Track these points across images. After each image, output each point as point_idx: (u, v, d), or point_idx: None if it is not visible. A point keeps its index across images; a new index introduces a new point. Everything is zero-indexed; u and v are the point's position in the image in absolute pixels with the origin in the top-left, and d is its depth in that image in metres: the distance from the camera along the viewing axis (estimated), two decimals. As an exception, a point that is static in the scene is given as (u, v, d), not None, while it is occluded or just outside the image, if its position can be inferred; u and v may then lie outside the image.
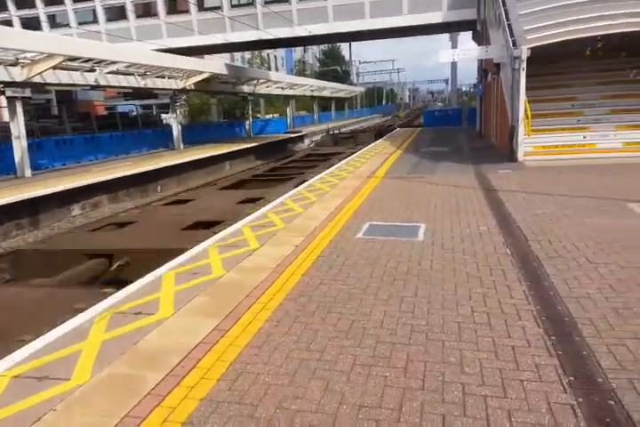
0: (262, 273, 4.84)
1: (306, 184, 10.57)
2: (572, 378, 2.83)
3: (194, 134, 25.02)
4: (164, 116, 30.95)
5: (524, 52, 11.05)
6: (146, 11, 24.24)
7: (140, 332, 3.67)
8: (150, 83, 20.02)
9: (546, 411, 2.57)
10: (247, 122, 31.28)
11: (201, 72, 21.40)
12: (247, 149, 23.32)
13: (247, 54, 49.94)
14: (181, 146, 22.35)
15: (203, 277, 4.79)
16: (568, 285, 4.20)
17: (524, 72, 11.22)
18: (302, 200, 8.61)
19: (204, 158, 18.73)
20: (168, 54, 18.76)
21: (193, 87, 22.74)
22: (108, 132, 20.67)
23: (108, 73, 17.43)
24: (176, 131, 22.41)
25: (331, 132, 32.00)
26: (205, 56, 31.18)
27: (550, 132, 12.13)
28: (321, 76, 62.45)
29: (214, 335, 3.56)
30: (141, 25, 23.63)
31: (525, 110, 11.45)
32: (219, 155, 20.25)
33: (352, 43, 63.48)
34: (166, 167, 16.34)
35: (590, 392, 2.70)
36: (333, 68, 67.39)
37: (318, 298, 4.17)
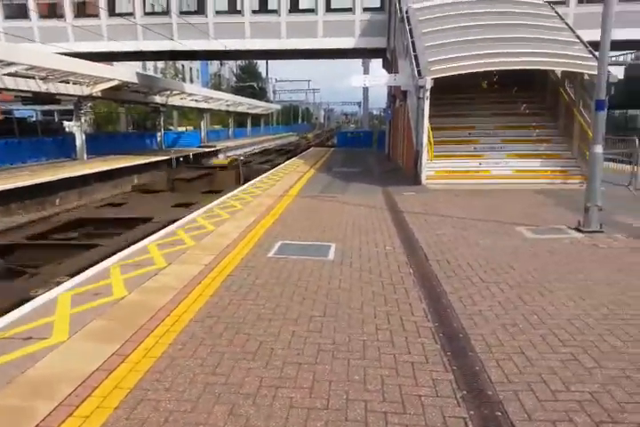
0: (168, 294, 4.68)
1: (218, 201, 10.42)
2: (465, 392, 3.03)
3: (99, 144, 23.79)
4: (66, 123, 29.16)
5: (428, 82, 11.82)
6: (51, 11, 22.88)
7: (30, 358, 3.39)
8: (53, 87, 18.86)
9: (441, 425, 2.72)
10: (159, 134, 30.33)
11: (109, 79, 20.52)
12: (157, 162, 22.56)
13: (161, 64, 48.61)
14: (85, 156, 21.14)
15: (103, 299, 4.54)
16: (463, 302, 4.50)
17: (428, 101, 11.98)
18: (214, 217, 8.48)
19: (109, 170, 17.83)
20: (73, 58, 17.81)
21: (100, 95, 21.71)
22: (3, 139, 19.05)
23: (6, 75, 16.17)
24: (79, 140, 21.18)
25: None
26: (115, 63, 29.92)
27: (450, 158, 13.00)
28: (237, 91, 62.26)
29: (113, 361, 3.39)
30: (45, 26, 22.21)
31: (428, 137, 12.22)
32: (125, 167, 19.38)
33: (269, 60, 64.30)
34: (67, 179, 15.34)
35: (481, 405, 2.90)
36: (250, 84, 67.54)
37: (226, 319, 4.12)
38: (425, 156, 12.29)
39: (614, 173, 11.01)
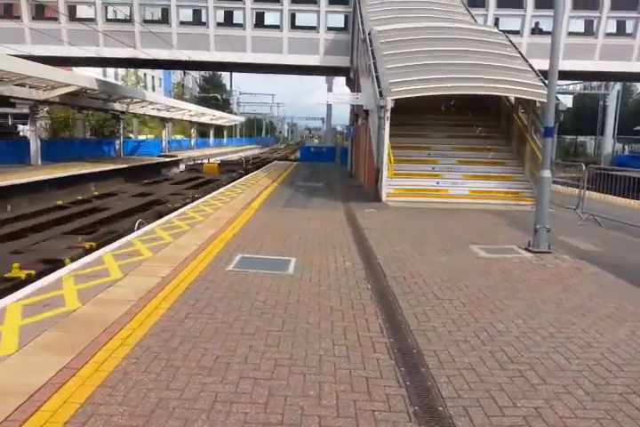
0: (123, 306, 4.59)
1: (178, 212, 10.30)
2: (416, 408, 3.10)
3: (55, 150, 23.12)
4: (21, 127, 28.16)
5: (389, 103, 12.16)
6: (7, 11, 22.22)
7: (-28, 373, 3.26)
8: (6, 90, 18.22)
9: (393, 439, 2.78)
10: (118, 141, 29.69)
11: (67, 84, 20.03)
12: (115, 170, 22.06)
13: (122, 71, 47.79)
14: (39, 162, 20.43)
15: (54, 310, 4.40)
16: (418, 318, 4.62)
17: (389, 121, 12.31)
18: (173, 229, 8.37)
19: (65, 177, 17.30)
20: (29, 62, 17.31)
21: (57, 100, 21.14)
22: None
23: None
24: (34, 145, 20.52)
25: None
26: (74, 69, 29.26)
27: (410, 176, 13.34)
28: (201, 101, 61.86)
29: (63, 375, 3.29)
30: (0, 26, 21.53)
31: (389, 155, 12.52)
32: (82, 174, 18.86)
33: (234, 73, 64.28)
34: (18, 185, 14.79)
35: (431, 420, 2.97)
36: (214, 95, 67.26)
37: (182, 333, 4.07)
38: (385, 173, 12.57)
39: (563, 196, 11.56)
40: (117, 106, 27.67)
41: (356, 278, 5.89)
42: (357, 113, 20.13)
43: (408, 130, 14.67)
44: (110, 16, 22.43)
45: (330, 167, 26.68)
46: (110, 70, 46.83)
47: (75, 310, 4.44)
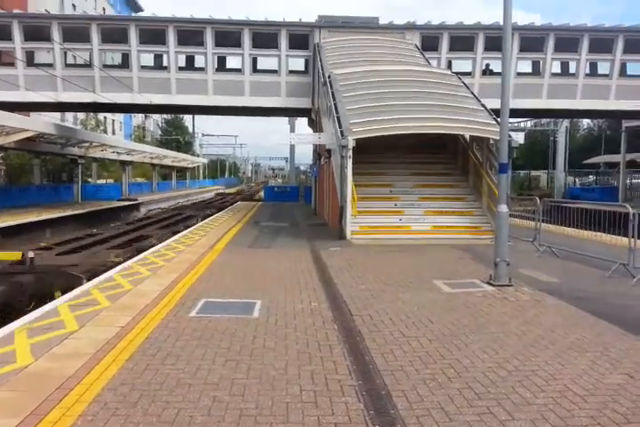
0: (79, 360, 4.38)
1: (138, 258, 10.05)
2: (386, 452, 3.04)
3: (9, 197, 22.41)
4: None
5: (350, 142, 12.48)
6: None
7: None
8: (-41, 137, 17.80)
9: (363, 488, 2.70)
10: (76, 186, 29.13)
11: (24, 129, 19.73)
12: (73, 215, 21.52)
13: (81, 115, 47.47)
14: (-8, 209, 19.77)
15: (5, 367, 4.16)
16: (385, 358, 4.58)
17: (351, 159, 12.59)
18: (133, 275, 8.14)
19: (15, 225, 16.70)
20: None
21: (13, 145, 20.72)
22: None
23: None
24: (-13, 192, 19.86)
25: None
26: (32, 114, 28.89)
27: (373, 213, 13.53)
28: (163, 144, 61.85)
29: (12, 439, 3.08)
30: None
31: (352, 193, 12.71)
32: (36, 221, 18.28)
33: (197, 115, 64.82)
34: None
35: (402, 464, 2.91)
36: (175, 137, 67.41)
37: (142, 386, 3.90)
38: (349, 211, 12.71)
39: (520, 229, 11.92)
40: (76, 150, 27.33)
41: (323, 319, 5.83)
42: (320, 152, 20.50)
43: (370, 168, 15.00)
44: (70, 61, 22.48)
45: (294, 206, 26.82)
46: (69, 114, 46.46)
47: (27, 366, 4.21)
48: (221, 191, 60.21)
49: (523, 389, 3.92)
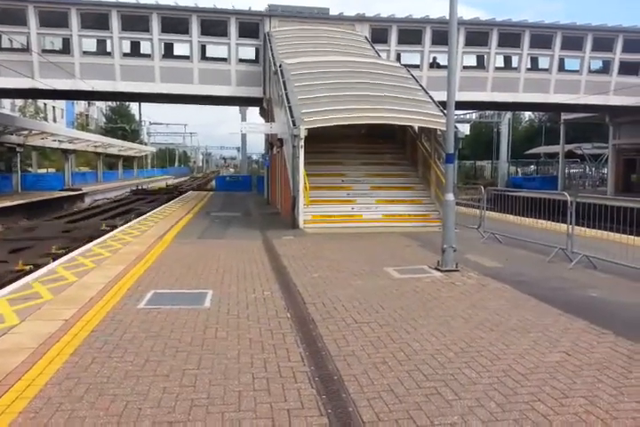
0: (20, 355, 4.18)
1: (82, 249, 9.68)
2: (338, 435, 3.08)
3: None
4: None
5: (302, 132, 12.44)
6: None
7: None
8: None
9: (316, 471, 2.73)
10: (15, 176, 27.64)
11: (-44, 117, 18.47)
12: (11, 206, 20.44)
13: (20, 101, 44.94)
14: None
15: None
16: (337, 344, 4.64)
17: (303, 149, 12.56)
18: (77, 267, 7.84)
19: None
20: None
21: (-57, 133, 19.39)
22: None
23: None
24: None
25: None
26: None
27: (326, 203, 13.59)
28: (108, 132, 59.51)
29: (-54, 440, 2.92)
30: None
31: (304, 182, 12.71)
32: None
33: (144, 103, 62.57)
34: None
35: (353, 446, 2.97)
36: (121, 125, 64.99)
37: (88, 380, 3.77)
38: (301, 201, 12.71)
39: (466, 217, 12.30)
40: (14, 138, 25.90)
41: (276, 308, 5.82)
42: (272, 142, 20.35)
43: (322, 158, 15.02)
44: (6, 45, 21.17)
45: (246, 196, 26.55)
46: (6, 101, 43.89)
47: (-39, 365, 3.98)
48: (170, 180, 58.78)
49: (469, 369, 4.07)
